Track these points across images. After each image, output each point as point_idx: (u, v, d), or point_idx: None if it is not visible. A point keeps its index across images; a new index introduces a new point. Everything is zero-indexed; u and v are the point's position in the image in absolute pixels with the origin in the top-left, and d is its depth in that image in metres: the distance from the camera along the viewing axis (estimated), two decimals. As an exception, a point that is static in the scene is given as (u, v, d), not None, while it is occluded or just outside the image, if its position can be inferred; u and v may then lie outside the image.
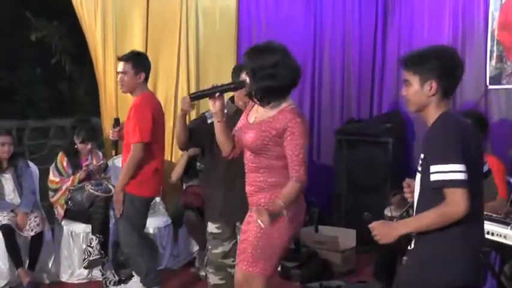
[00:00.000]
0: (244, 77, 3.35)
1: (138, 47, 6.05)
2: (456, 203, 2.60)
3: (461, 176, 2.60)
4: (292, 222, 3.31)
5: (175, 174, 5.89)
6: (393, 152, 6.06)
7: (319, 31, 6.78)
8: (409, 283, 2.83)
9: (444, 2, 6.02)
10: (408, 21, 6.39)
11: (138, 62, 4.68)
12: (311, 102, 6.82)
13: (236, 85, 3.49)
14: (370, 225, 2.88)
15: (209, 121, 3.98)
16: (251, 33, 6.58)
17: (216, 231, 4.08)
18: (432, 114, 2.80)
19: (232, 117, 3.87)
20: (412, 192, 2.97)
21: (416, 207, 2.82)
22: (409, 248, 2.90)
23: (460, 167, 2.60)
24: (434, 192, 2.68)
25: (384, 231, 2.82)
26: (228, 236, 4.08)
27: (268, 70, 3.21)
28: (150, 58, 5.99)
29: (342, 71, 6.77)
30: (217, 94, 3.33)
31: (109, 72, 6.00)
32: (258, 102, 3.30)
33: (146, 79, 4.73)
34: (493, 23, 5.54)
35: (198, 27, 6.34)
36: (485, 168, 3.94)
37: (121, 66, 4.66)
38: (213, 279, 4.13)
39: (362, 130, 6.29)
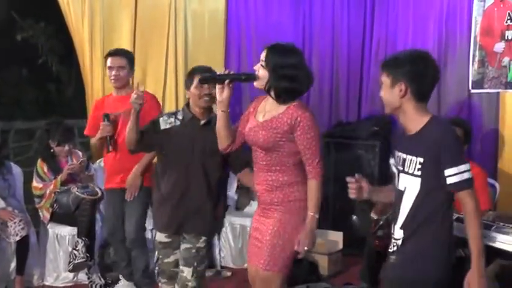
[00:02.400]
0: (257, 69, 3.32)
1: (126, 47, 6.01)
2: (476, 199, 2.75)
3: (471, 175, 2.76)
4: (305, 214, 3.33)
5: None
6: (381, 155, 6.07)
7: (307, 35, 6.80)
8: (399, 281, 2.88)
9: (429, 7, 6.07)
10: (394, 26, 6.43)
11: (132, 59, 4.83)
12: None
13: (246, 77, 3.44)
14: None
15: (162, 127, 3.90)
16: (240, 37, 6.58)
17: (165, 240, 3.96)
18: (412, 118, 2.86)
19: (187, 123, 3.86)
20: (356, 189, 3.10)
21: (415, 211, 2.85)
22: (392, 249, 2.95)
23: (469, 166, 2.77)
24: (435, 195, 2.79)
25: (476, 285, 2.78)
26: (178, 244, 3.97)
27: (288, 70, 3.24)
28: (138, 60, 6.05)
29: (330, 75, 6.79)
30: (227, 81, 3.32)
31: (96, 73, 5.97)
32: (273, 98, 3.30)
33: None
34: (476, 28, 5.59)
35: (187, 30, 6.32)
36: None
37: (117, 60, 4.71)
38: None
39: (350, 133, 6.31)
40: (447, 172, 2.73)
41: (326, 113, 6.80)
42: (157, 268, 4.18)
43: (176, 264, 3.99)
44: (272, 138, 3.26)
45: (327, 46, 6.78)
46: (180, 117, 3.92)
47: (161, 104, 6.19)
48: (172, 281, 4.00)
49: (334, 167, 6.30)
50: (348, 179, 3.13)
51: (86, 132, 5.07)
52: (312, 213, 3.29)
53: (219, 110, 3.40)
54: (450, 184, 2.74)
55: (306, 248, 3.30)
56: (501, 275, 3.80)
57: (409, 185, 2.87)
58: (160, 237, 3.99)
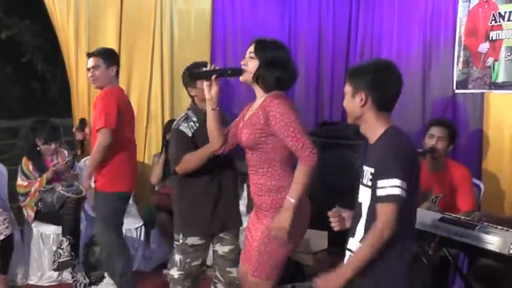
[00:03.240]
0: (245, 62, 3.29)
1: (112, 46, 5.98)
2: (388, 220, 2.61)
3: (401, 192, 2.61)
4: (297, 225, 3.26)
5: (156, 177, 5.86)
6: (365, 154, 6.09)
7: (293, 35, 6.82)
8: None
9: (413, 7, 6.11)
10: (379, 26, 6.47)
11: (109, 55, 4.68)
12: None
13: (232, 71, 3.44)
14: (313, 285, 2.87)
15: (190, 134, 3.85)
16: (225, 36, 6.58)
17: (198, 242, 3.93)
18: (372, 128, 2.82)
19: (204, 122, 3.69)
20: (338, 221, 3.05)
21: (368, 223, 2.76)
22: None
23: (403, 184, 2.61)
24: None
25: (329, 282, 2.79)
26: (207, 246, 4.01)
27: (279, 59, 3.24)
28: (123, 59, 6.05)
29: (315, 75, 6.82)
30: (214, 76, 3.29)
31: (81, 71, 5.94)
32: (262, 87, 3.27)
33: (117, 74, 4.73)
34: (461, 29, 5.62)
35: (173, 28, 6.31)
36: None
37: (92, 61, 4.65)
38: None
39: (335, 133, 6.32)
40: (378, 184, 2.65)
41: (311, 113, 6.82)
42: (181, 273, 3.98)
43: (202, 264, 4.00)
44: (253, 135, 3.22)
45: (312, 46, 6.80)
46: (194, 118, 3.89)
47: (147, 103, 6.21)
48: (197, 281, 4.02)
49: (319, 166, 6.30)
50: (329, 213, 3.07)
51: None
52: (289, 198, 3.19)
53: (208, 108, 3.37)
54: (377, 197, 2.65)
55: (274, 234, 3.21)
56: (486, 274, 3.83)
57: (363, 197, 2.82)
58: (194, 240, 3.93)
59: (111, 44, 6.03)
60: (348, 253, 2.89)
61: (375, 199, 2.69)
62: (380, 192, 2.64)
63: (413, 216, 2.81)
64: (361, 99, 2.79)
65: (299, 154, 3.18)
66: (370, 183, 2.74)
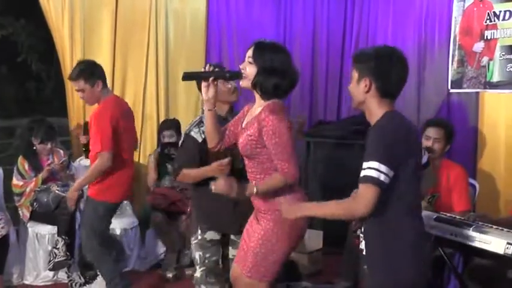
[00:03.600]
0: (244, 67, 3.26)
1: (106, 46, 6.04)
2: (362, 199, 2.65)
3: (378, 175, 2.62)
4: (295, 227, 3.28)
5: (151, 180, 5.88)
6: (361, 153, 6.08)
7: (288, 34, 6.83)
8: (376, 285, 2.85)
9: (408, 7, 6.12)
10: (374, 26, 6.48)
11: (88, 73, 4.55)
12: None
13: (231, 74, 3.39)
14: (279, 201, 3.02)
15: (200, 140, 3.83)
16: (221, 36, 6.59)
17: (216, 237, 3.94)
18: (374, 113, 2.83)
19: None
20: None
21: None
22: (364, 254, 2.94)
23: (383, 167, 2.63)
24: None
25: (290, 209, 2.98)
26: (222, 243, 4.01)
27: (278, 66, 3.19)
28: (118, 59, 6.05)
29: (310, 75, 6.83)
30: (211, 78, 3.25)
31: (76, 71, 5.93)
32: (260, 95, 3.25)
33: (105, 83, 4.65)
34: (456, 28, 5.63)
35: (168, 28, 6.32)
36: (424, 160, 4.00)
37: (75, 85, 4.60)
38: None
39: (330, 132, 6.33)
40: (363, 165, 2.68)
41: (306, 113, 6.82)
42: (203, 269, 3.97)
43: (219, 262, 3.99)
44: (248, 146, 3.22)
45: (307, 45, 6.82)
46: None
47: (142, 102, 6.21)
48: (219, 279, 3.97)
49: (314, 166, 6.33)
50: None
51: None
52: (256, 186, 3.22)
53: (205, 109, 3.34)
54: (360, 177, 2.68)
55: (213, 188, 3.25)
56: (481, 274, 3.84)
57: None
58: (213, 235, 3.95)
59: (105, 42, 6.03)
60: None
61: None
62: (362, 173, 2.67)
63: (413, 200, 2.81)
64: (365, 85, 2.80)
65: (281, 170, 3.18)
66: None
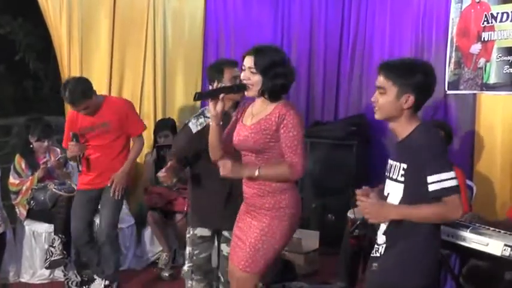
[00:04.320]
0: (246, 77, 3.30)
1: (104, 45, 6.03)
2: (455, 207, 2.70)
3: (455, 183, 2.70)
4: (292, 221, 3.36)
5: (148, 179, 5.89)
6: (357, 154, 6.11)
7: (286, 35, 6.82)
8: (387, 285, 2.86)
9: (406, 8, 6.11)
10: (371, 27, 6.48)
11: (84, 92, 4.67)
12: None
13: (237, 88, 3.42)
14: (361, 203, 2.87)
15: (194, 131, 3.97)
16: (218, 35, 6.58)
17: (207, 233, 4.05)
18: (405, 126, 2.84)
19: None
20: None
21: None
22: (374, 254, 2.93)
23: (453, 174, 2.71)
24: (418, 201, 2.73)
25: (377, 211, 2.82)
26: (214, 241, 4.10)
27: (279, 68, 3.25)
28: (116, 57, 6.07)
29: (307, 75, 6.82)
30: (221, 96, 3.28)
31: (74, 70, 5.92)
32: (268, 98, 3.30)
33: (95, 92, 4.81)
34: (453, 30, 5.63)
35: (166, 27, 6.31)
36: None
37: (81, 108, 4.69)
38: (197, 287, 4.09)
39: (327, 133, 6.33)
40: (429, 179, 2.69)
41: (303, 113, 6.82)
42: (190, 265, 4.09)
43: (209, 259, 4.09)
44: (262, 140, 3.26)
45: (305, 46, 6.81)
46: (208, 115, 3.83)
47: (139, 101, 6.21)
48: (207, 276, 4.08)
49: (310, 166, 6.32)
50: (358, 191, 2.95)
51: (63, 145, 5.05)
52: (257, 169, 3.26)
53: (212, 123, 3.36)
54: (431, 191, 2.70)
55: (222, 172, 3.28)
56: (477, 275, 3.85)
57: (392, 191, 2.84)
58: (203, 231, 4.05)
59: (103, 41, 6.03)
60: (375, 247, 2.94)
61: (410, 193, 2.76)
62: (439, 185, 2.69)
63: None
64: (406, 101, 2.79)
65: (290, 164, 3.25)
66: (402, 179, 2.79)
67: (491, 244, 3.20)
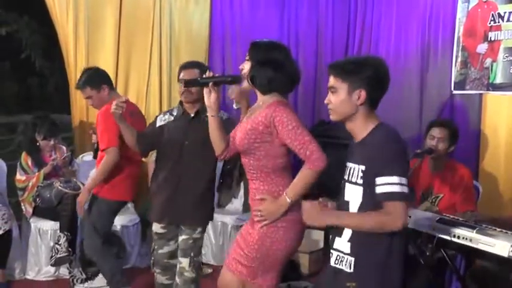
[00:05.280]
0: (242, 67, 3.31)
1: (110, 43, 6.03)
2: (396, 216, 2.61)
3: (404, 189, 2.61)
4: (293, 227, 3.25)
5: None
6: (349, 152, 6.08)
7: (292, 35, 6.83)
8: None
9: (412, 8, 6.10)
10: (377, 27, 6.47)
11: (93, 79, 4.69)
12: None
13: (232, 79, 3.41)
14: (302, 202, 2.86)
15: (157, 124, 4.08)
16: (224, 34, 6.58)
17: (161, 231, 4.10)
18: (362, 125, 2.78)
19: (179, 118, 4.02)
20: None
21: None
22: (340, 266, 2.83)
23: (404, 180, 2.62)
24: (377, 204, 2.66)
25: (317, 215, 2.81)
26: (173, 235, 4.09)
27: (272, 60, 3.20)
28: (122, 56, 6.07)
29: (313, 75, 6.83)
30: (210, 84, 3.27)
31: (80, 68, 5.86)
32: (258, 89, 3.25)
33: (111, 86, 4.78)
34: (460, 29, 5.61)
35: (172, 26, 6.31)
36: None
37: (83, 93, 4.72)
38: (161, 279, 4.19)
39: (331, 132, 6.30)
40: (377, 181, 2.63)
41: (309, 112, 6.83)
42: (152, 258, 4.27)
43: (170, 256, 4.11)
44: (246, 140, 3.19)
45: (311, 46, 6.81)
46: (174, 113, 4.07)
47: (145, 100, 6.21)
48: (167, 271, 4.14)
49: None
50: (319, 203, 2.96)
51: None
52: (286, 196, 3.16)
53: (209, 115, 3.35)
54: (376, 194, 2.64)
55: (260, 217, 3.19)
56: (483, 276, 3.84)
57: (352, 196, 2.78)
58: (157, 227, 4.11)
59: (109, 39, 6.03)
60: (335, 253, 2.85)
61: (369, 196, 2.68)
62: (381, 189, 2.62)
63: None
64: (359, 97, 2.75)
65: (306, 158, 3.13)
66: (361, 181, 2.72)
67: (498, 245, 3.17)
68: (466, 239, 3.34)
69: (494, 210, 4.99)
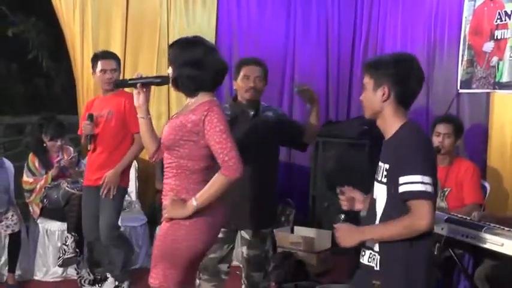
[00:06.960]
0: (169, 71, 3.20)
1: (117, 43, 6.06)
2: (422, 215, 2.58)
3: (429, 189, 2.59)
4: (198, 229, 3.12)
5: (159, 177, 5.88)
6: (369, 154, 6.08)
7: (299, 36, 6.83)
8: None
9: (419, 7, 6.10)
10: (383, 26, 6.48)
11: (120, 61, 4.94)
12: (289, 103, 6.86)
13: (161, 79, 3.32)
14: (335, 225, 2.82)
15: None
16: (231, 35, 6.60)
17: (220, 235, 3.68)
18: (389, 123, 2.77)
19: (238, 118, 3.84)
20: (348, 200, 3.03)
21: (380, 220, 2.75)
22: (368, 263, 2.82)
23: (429, 179, 2.59)
24: (402, 204, 2.64)
25: (347, 235, 2.77)
26: (230, 240, 3.97)
27: (190, 59, 3.08)
28: (129, 55, 6.07)
29: (320, 75, 6.84)
30: (138, 85, 3.20)
31: (87, 68, 5.89)
32: (177, 89, 3.18)
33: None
34: (466, 28, 5.60)
35: (178, 27, 6.32)
36: None
37: (112, 63, 4.78)
38: (206, 286, 3.97)
39: (339, 132, 6.32)
40: (400, 180, 2.61)
41: (322, 113, 6.81)
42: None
43: (220, 260, 3.95)
44: (173, 136, 3.08)
45: (318, 47, 6.82)
46: (228, 112, 3.82)
47: (153, 101, 6.20)
48: (214, 277, 3.95)
49: (323, 165, 6.33)
50: (340, 189, 3.01)
51: (79, 131, 5.06)
52: (193, 199, 3.04)
53: (139, 117, 3.27)
54: (400, 193, 2.61)
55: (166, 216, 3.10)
56: (491, 276, 3.83)
57: (379, 194, 2.78)
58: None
59: (116, 39, 6.06)
60: (367, 251, 2.83)
61: (393, 195, 2.67)
62: (405, 188, 2.60)
63: None
64: (383, 93, 2.74)
65: (223, 162, 3.03)
66: (385, 180, 2.72)
67: (506, 244, 3.17)
68: (474, 238, 3.33)
69: (502, 209, 4.99)
